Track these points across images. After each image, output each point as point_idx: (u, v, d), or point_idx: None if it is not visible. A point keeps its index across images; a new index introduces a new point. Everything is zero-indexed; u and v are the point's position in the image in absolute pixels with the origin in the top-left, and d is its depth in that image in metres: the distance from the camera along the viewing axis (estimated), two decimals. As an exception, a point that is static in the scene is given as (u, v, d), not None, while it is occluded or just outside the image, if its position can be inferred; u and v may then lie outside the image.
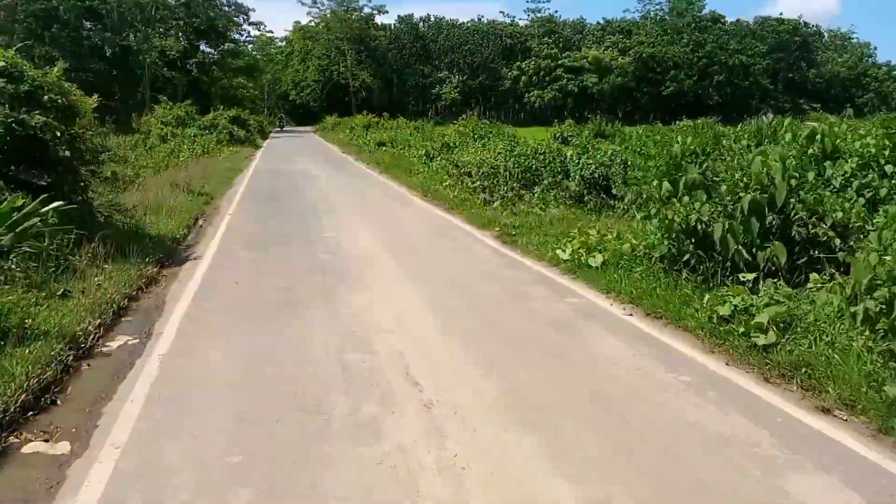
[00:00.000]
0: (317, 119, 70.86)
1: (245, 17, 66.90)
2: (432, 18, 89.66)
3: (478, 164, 15.34)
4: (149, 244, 8.94)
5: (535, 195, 13.68)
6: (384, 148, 30.13)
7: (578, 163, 13.97)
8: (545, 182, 14.08)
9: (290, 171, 23.10)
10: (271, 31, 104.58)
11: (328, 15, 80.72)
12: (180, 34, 59.83)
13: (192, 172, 19.89)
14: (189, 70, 58.79)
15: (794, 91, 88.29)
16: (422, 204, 15.43)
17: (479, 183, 15.29)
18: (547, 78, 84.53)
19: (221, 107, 43.62)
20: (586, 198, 13.51)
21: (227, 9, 64.26)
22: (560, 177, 14.03)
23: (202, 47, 62.59)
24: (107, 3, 47.01)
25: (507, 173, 14.37)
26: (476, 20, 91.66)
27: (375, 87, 79.29)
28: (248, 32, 73.92)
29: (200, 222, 12.60)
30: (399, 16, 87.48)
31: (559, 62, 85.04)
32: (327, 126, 56.14)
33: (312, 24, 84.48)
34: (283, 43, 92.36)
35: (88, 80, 48.63)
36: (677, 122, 40.99)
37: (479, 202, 14.11)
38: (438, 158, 20.65)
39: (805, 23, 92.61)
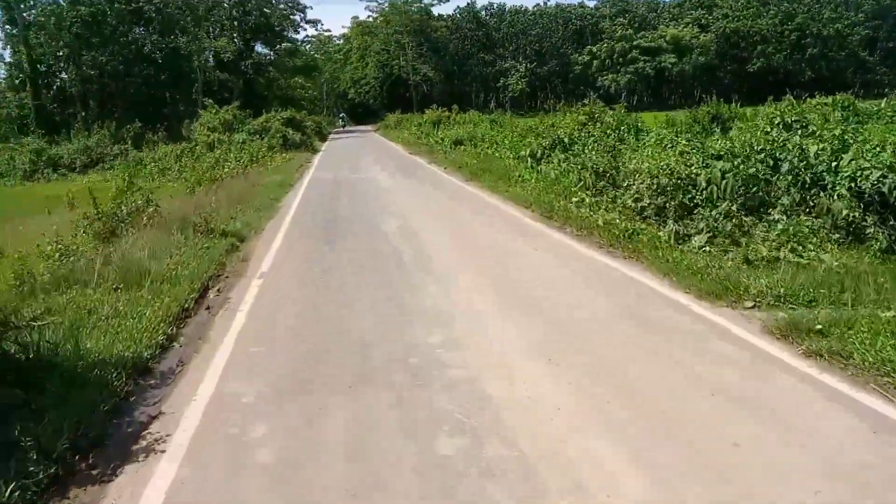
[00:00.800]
0: (377, 117, 66.66)
1: (301, 15, 62.86)
2: (494, 6, 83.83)
3: (650, 172, 9.58)
4: (51, 417, 3.79)
5: (778, 227, 7.88)
6: (462, 147, 24.70)
7: (842, 166, 8.13)
8: (783, 201, 8.29)
9: (352, 185, 17.98)
10: (329, 30, 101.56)
11: (386, 8, 75.95)
12: (234, 35, 56.34)
13: (228, 193, 15.12)
14: (244, 72, 55.13)
15: (892, 62, 77.87)
16: (552, 235, 9.90)
17: (648, 201, 9.64)
18: (621, 60, 78.38)
19: (277, 108, 39.21)
20: (869, 230, 7.68)
21: (281, 6, 60.36)
22: (814, 191, 8.19)
23: (257, 47, 59.05)
24: (153, 3, 43.50)
25: (713, 188, 8.59)
26: (542, 4, 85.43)
27: (437, 80, 74.02)
28: (305, 30, 70.10)
29: (211, 297, 7.38)
30: (459, 6, 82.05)
31: (634, 43, 78.78)
32: (389, 124, 51.23)
33: (370, 18, 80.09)
34: (342, 41, 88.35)
35: (139, 87, 45.87)
36: (808, 98, 34.13)
37: (664, 238, 8.46)
38: (554, 160, 15.06)
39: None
